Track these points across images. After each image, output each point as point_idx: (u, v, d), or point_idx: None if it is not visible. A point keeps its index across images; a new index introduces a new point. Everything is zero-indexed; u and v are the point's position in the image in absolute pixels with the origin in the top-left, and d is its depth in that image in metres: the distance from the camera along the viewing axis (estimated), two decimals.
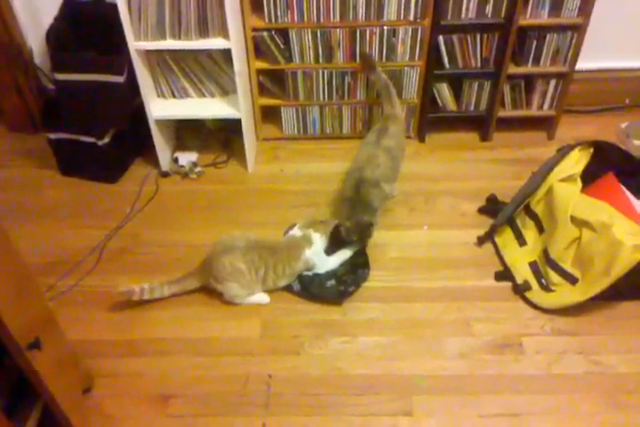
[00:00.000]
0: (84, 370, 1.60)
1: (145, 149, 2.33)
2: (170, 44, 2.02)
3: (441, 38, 2.17)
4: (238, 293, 1.78)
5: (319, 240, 1.85)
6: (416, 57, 2.22)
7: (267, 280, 1.80)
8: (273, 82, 2.32)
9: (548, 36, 2.16)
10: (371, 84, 2.27)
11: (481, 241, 1.98)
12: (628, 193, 1.92)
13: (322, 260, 1.87)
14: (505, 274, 1.88)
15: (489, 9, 2.11)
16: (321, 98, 2.32)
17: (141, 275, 1.91)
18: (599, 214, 1.76)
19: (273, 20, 2.13)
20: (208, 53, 2.14)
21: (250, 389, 1.60)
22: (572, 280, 1.78)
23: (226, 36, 1.98)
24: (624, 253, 1.66)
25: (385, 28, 2.14)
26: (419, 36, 2.16)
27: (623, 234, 1.69)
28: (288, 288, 1.84)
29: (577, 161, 1.93)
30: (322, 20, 2.13)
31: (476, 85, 2.29)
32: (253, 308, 1.80)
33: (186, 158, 2.30)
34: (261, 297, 1.82)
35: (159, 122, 2.21)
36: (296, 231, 1.88)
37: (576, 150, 1.93)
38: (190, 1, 1.93)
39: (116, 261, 1.96)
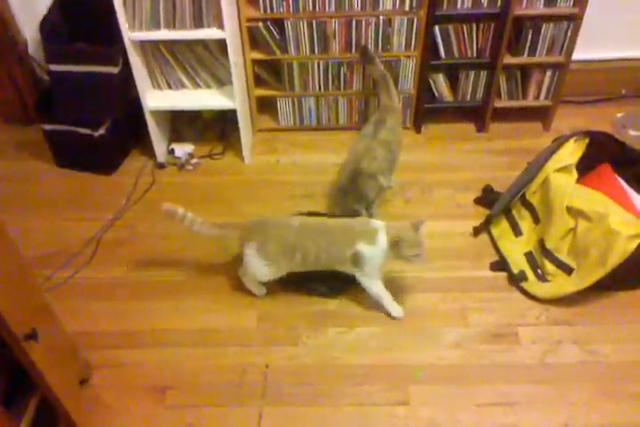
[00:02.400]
0: (82, 361, 1.60)
1: (141, 140, 2.32)
2: (165, 34, 2.01)
3: (437, 28, 2.16)
4: (263, 271, 1.71)
5: (383, 243, 1.64)
6: (412, 47, 2.21)
7: (302, 264, 1.69)
8: (269, 73, 2.31)
9: (544, 26, 2.15)
10: (367, 74, 2.26)
11: (477, 232, 1.99)
12: (623, 183, 1.92)
13: (373, 266, 1.68)
14: (501, 264, 1.89)
15: None
16: (317, 89, 2.31)
17: (138, 266, 1.91)
18: (595, 205, 1.77)
19: (268, 10, 2.11)
20: (203, 44, 2.13)
21: (247, 379, 1.61)
22: (568, 270, 1.78)
23: (221, 26, 1.97)
24: (619, 243, 1.67)
25: (381, 18, 2.13)
26: (414, 26, 2.15)
27: (619, 224, 1.70)
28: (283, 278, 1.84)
29: (573, 151, 1.93)
30: (317, 10, 2.11)
31: (472, 76, 2.29)
32: (250, 299, 1.81)
33: (182, 150, 2.29)
34: (261, 289, 1.80)
35: (155, 113, 2.20)
36: (367, 219, 1.73)
37: (572, 141, 1.93)
38: None
39: (112, 253, 1.96)
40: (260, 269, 1.71)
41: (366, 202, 1.92)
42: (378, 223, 1.68)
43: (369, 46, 2.16)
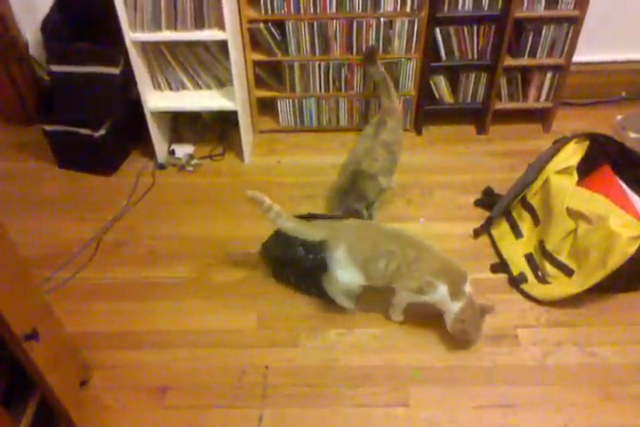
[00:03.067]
0: (82, 362, 1.60)
1: (141, 141, 2.32)
2: (166, 35, 2.01)
3: (437, 30, 2.16)
4: (349, 278, 1.62)
5: (455, 306, 1.57)
6: (413, 49, 2.22)
7: (382, 273, 1.60)
8: (269, 74, 2.31)
9: (544, 28, 2.15)
10: (368, 76, 2.26)
11: (477, 233, 1.99)
12: (623, 185, 1.92)
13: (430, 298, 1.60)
14: (501, 266, 1.89)
15: (485, 1, 2.11)
16: (317, 90, 2.31)
17: (138, 267, 1.91)
18: (595, 207, 1.77)
19: (269, 11, 2.11)
20: (204, 45, 2.13)
21: (247, 380, 1.61)
22: (568, 272, 1.79)
23: (222, 27, 1.97)
24: (620, 245, 1.67)
25: (381, 19, 2.13)
26: (415, 28, 2.15)
27: (619, 226, 1.70)
28: (283, 279, 1.83)
29: (573, 153, 1.93)
30: (318, 11, 2.12)
31: (472, 78, 2.29)
32: (250, 300, 1.81)
33: (182, 151, 2.29)
34: (350, 302, 1.73)
35: (155, 114, 2.20)
36: (461, 270, 1.61)
37: (572, 143, 1.94)
38: None
39: (112, 254, 1.96)
40: (346, 275, 1.63)
41: (366, 202, 1.93)
42: (466, 287, 1.59)
43: (376, 48, 2.17)
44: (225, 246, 1.97)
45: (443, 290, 1.57)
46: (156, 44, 2.09)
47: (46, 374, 1.29)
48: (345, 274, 1.63)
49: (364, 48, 2.19)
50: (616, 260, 1.67)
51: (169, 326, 1.75)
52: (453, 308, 1.58)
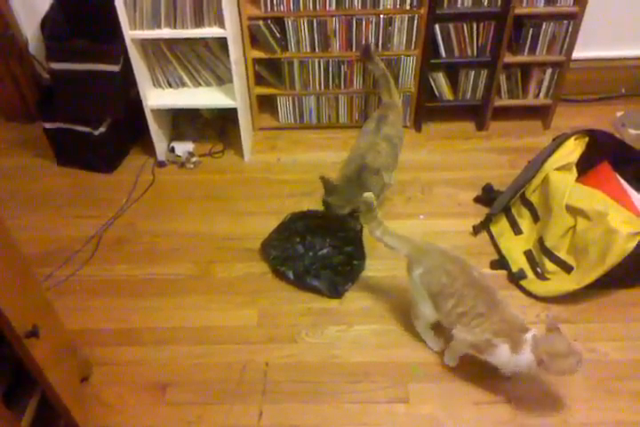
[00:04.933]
0: (83, 359, 1.61)
1: (141, 138, 2.32)
2: (165, 32, 2.01)
3: (437, 27, 2.15)
4: (422, 304, 1.57)
5: (526, 358, 1.43)
6: (412, 46, 2.21)
7: (448, 313, 1.52)
8: (269, 71, 2.31)
9: (544, 24, 2.15)
10: (367, 72, 2.26)
11: (477, 230, 1.99)
12: (623, 182, 1.92)
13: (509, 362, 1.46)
14: (500, 263, 1.89)
15: None
16: (317, 87, 2.31)
17: (138, 264, 1.92)
18: (594, 203, 1.77)
19: (269, 8, 2.11)
20: (204, 42, 2.13)
21: (247, 377, 1.61)
22: (567, 268, 1.79)
23: (222, 24, 1.97)
24: (618, 242, 1.67)
25: (381, 16, 2.13)
26: (415, 24, 2.15)
27: (618, 222, 1.70)
28: (283, 276, 1.84)
29: (572, 150, 1.93)
30: (318, 8, 2.11)
31: (472, 74, 2.28)
32: (251, 297, 1.81)
33: (182, 148, 2.29)
34: (436, 341, 1.65)
35: (155, 111, 2.20)
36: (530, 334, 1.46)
37: (571, 139, 1.94)
38: None
39: (112, 251, 1.97)
40: (420, 300, 1.58)
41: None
42: (529, 335, 1.45)
43: (371, 44, 2.17)
44: (225, 243, 1.97)
45: (504, 349, 1.45)
46: (155, 42, 2.09)
47: (47, 371, 1.30)
48: (417, 298, 1.58)
49: (362, 45, 2.19)
50: (615, 256, 1.68)
51: (169, 322, 1.75)
52: (524, 359, 1.44)
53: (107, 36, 2.01)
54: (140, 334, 1.73)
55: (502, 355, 1.46)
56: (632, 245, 1.67)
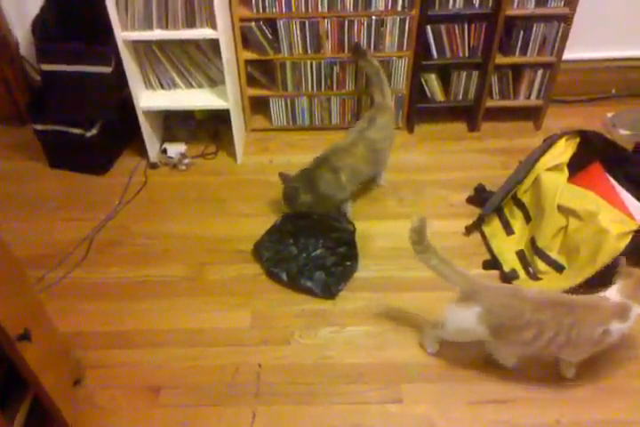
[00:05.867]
0: (75, 362, 1.60)
1: (133, 140, 2.32)
2: (157, 34, 2.01)
3: (429, 28, 2.17)
4: (472, 337, 1.53)
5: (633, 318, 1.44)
6: (404, 47, 2.22)
7: (528, 344, 1.46)
8: (261, 72, 2.31)
9: (535, 26, 2.16)
10: (360, 74, 2.26)
11: (469, 231, 2.00)
12: (613, 182, 1.94)
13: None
14: (493, 263, 1.90)
15: None
16: (310, 89, 2.32)
17: (131, 266, 1.91)
18: (585, 203, 1.79)
19: (261, 10, 2.11)
20: (196, 44, 2.13)
21: (240, 379, 1.61)
22: (559, 268, 1.80)
23: (213, 26, 1.97)
24: (609, 242, 1.68)
25: (373, 18, 2.13)
26: (407, 26, 2.16)
27: (609, 222, 1.71)
28: (276, 277, 1.84)
29: (564, 151, 1.95)
30: (310, 10, 2.12)
31: (464, 76, 2.30)
32: (244, 299, 1.81)
33: (174, 150, 2.29)
34: (435, 346, 1.63)
35: (147, 113, 2.20)
36: (611, 293, 1.48)
37: (562, 140, 1.95)
38: None
39: (105, 253, 1.96)
40: (473, 334, 1.51)
41: (313, 194, 1.93)
42: (627, 301, 1.45)
43: (361, 43, 2.17)
44: (218, 245, 1.97)
45: (618, 327, 1.45)
46: (147, 43, 2.09)
47: (39, 374, 1.29)
48: (469, 333, 1.52)
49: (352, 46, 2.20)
50: (606, 256, 1.69)
51: (162, 325, 1.75)
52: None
53: (98, 38, 2.01)
54: (132, 337, 1.72)
55: (619, 332, 1.46)
56: (623, 244, 1.68)
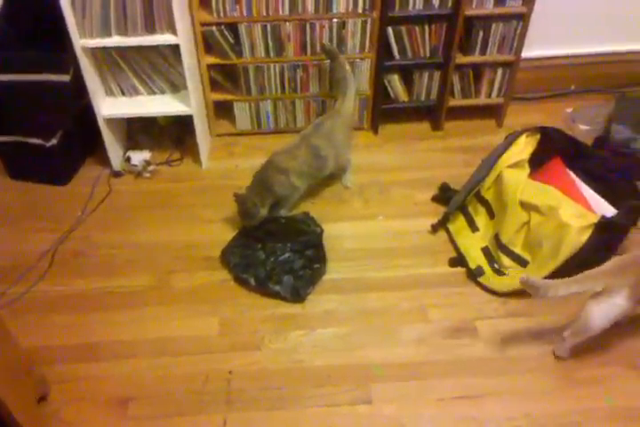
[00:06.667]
0: (40, 377, 1.56)
1: (95, 148, 2.28)
2: (116, 40, 1.98)
3: (390, 30, 2.18)
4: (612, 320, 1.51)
5: None
6: (366, 49, 2.23)
7: None
8: (224, 77, 2.30)
9: (493, 25, 2.20)
10: (324, 76, 2.27)
11: (435, 229, 2.01)
12: (574, 176, 1.98)
13: None
14: (459, 260, 1.91)
15: (436, 0, 2.14)
16: (274, 92, 2.31)
17: (95, 277, 1.88)
18: (546, 198, 1.82)
19: (221, 14, 2.11)
20: (157, 50, 2.10)
21: (210, 387, 1.60)
22: (523, 263, 1.83)
23: (174, 31, 1.95)
24: (571, 235, 1.72)
25: (334, 20, 2.14)
26: (368, 27, 2.17)
27: (570, 216, 1.74)
28: (244, 283, 1.83)
29: (524, 147, 1.98)
30: (271, 13, 2.11)
31: (425, 76, 2.32)
32: (212, 306, 1.79)
33: (138, 157, 2.26)
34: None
35: (109, 121, 2.16)
36: None
37: (523, 137, 1.98)
38: None
39: (69, 265, 1.92)
40: (621, 315, 1.52)
41: (273, 197, 1.95)
42: None
43: (327, 44, 2.17)
44: (185, 252, 1.95)
45: None
46: (106, 50, 2.06)
47: (0, 392, 1.26)
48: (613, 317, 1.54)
49: (318, 49, 2.20)
50: (568, 249, 1.72)
51: (129, 335, 1.72)
52: None
53: (56, 46, 1.97)
54: (99, 349, 1.69)
55: None
56: (583, 238, 1.72)
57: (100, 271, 1.90)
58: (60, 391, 1.59)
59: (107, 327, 1.74)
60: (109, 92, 2.19)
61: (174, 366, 1.65)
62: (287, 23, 2.14)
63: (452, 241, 1.98)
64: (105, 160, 2.25)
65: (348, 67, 2.13)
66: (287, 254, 1.89)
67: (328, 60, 2.21)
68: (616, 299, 1.51)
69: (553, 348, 1.66)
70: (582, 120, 2.40)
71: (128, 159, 2.26)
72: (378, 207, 2.10)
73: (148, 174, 2.24)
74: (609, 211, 1.84)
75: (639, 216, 1.81)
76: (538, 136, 2.00)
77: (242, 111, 2.36)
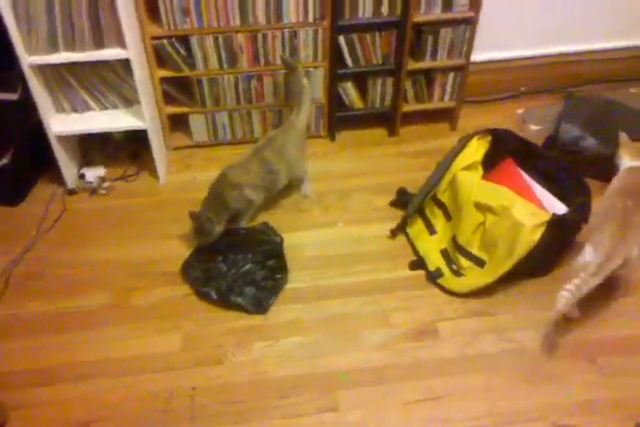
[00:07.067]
0: None
1: (49, 166, 2.22)
2: (65, 57, 1.95)
3: (341, 38, 2.20)
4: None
5: None
6: (319, 57, 2.25)
7: None
8: (178, 89, 2.29)
9: (442, 31, 2.24)
10: (279, 86, 2.28)
11: (394, 233, 2.03)
12: (526, 176, 2.02)
13: None
14: (418, 263, 1.94)
15: (385, 7, 2.17)
16: (229, 103, 2.31)
17: (52, 298, 1.84)
18: (500, 199, 1.85)
19: (172, 27, 2.09)
20: (107, 64, 2.08)
21: (174, 404, 1.57)
22: (480, 263, 1.86)
23: (123, 45, 1.93)
24: (524, 234, 1.75)
25: (286, 30, 2.15)
26: (319, 36, 2.19)
27: (523, 216, 1.78)
28: (206, 296, 1.82)
29: (477, 149, 2.02)
30: (222, 24, 2.11)
31: (379, 83, 2.35)
32: (173, 321, 1.77)
33: (93, 174, 2.22)
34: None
35: (61, 138, 2.12)
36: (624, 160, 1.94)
37: (475, 139, 2.02)
38: (82, 11, 1.87)
39: (25, 287, 1.88)
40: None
41: (228, 212, 1.94)
42: None
43: (286, 56, 2.18)
44: (144, 269, 1.92)
45: None
46: (55, 67, 2.03)
47: None
48: None
49: (271, 59, 2.21)
50: (522, 248, 1.76)
51: (90, 356, 1.69)
52: None
53: (2, 64, 1.94)
54: (59, 372, 1.65)
55: None
56: (537, 236, 1.75)
57: (58, 292, 1.86)
58: (19, 418, 1.55)
59: (66, 349, 1.70)
60: (60, 109, 2.15)
61: (137, 385, 1.62)
62: (239, 34, 2.14)
63: (412, 244, 2.00)
64: (59, 178, 2.20)
65: (305, 81, 2.13)
66: (248, 266, 1.89)
67: (285, 71, 2.21)
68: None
69: (556, 312, 1.65)
70: (533, 120, 2.46)
71: (82, 176, 2.22)
72: (337, 214, 2.12)
73: (103, 191, 2.21)
74: (560, 209, 1.89)
75: (589, 212, 1.87)
76: (489, 138, 2.04)
77: (197, 123, 2.35)
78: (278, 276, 1.87)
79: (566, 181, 1.98)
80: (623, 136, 2.00)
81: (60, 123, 2.11)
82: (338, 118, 2.41)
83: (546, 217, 1.77)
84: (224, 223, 1.94)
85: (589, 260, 1.66)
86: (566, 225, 1.83)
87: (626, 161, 1.93)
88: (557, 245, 1.89)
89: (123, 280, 1.89)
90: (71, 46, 1.94)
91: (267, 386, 1.61)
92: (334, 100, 2.35)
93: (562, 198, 1.94)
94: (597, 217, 1.80)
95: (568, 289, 1.63)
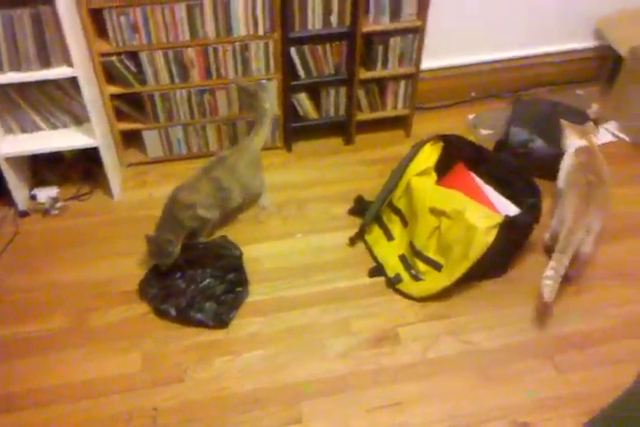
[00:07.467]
0: None
1: None
2: (10, 77, 1.91)
3: (293, 50, 2.22)
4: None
5: None
6: (271, 70, 2.26)
7: None
8: (130, 105, 2.27)
9: (391, 40, 2.28)
10: (232, 100, 2.28)
11: (352, 241, 2.05)
12: (478, 180, 2.07)
13: None
14: (378, 270, 1.96)
15: (334, 18, 2.20)
16: (182, 118, 2.30)
17: (7, 324, 1.79)
18: (453, 203, 1.88)
19: (120, 43, 2.08)
20: (55, 83, 2.04)
21: (135, 425, 1.55)
22: (438, 267, 1.89)
23: (70, 63, 1.91)
24: (478, 237, 1.78)
25: (236, 44, 2.16)
26: (270, 49, 2.20)
27: (476, 218, 1.81)
28: (165, 314, 1.80)
29: (429, 155, 2.05)
30: (171, 39, 2.11)
31: (332, 92, 2.37)
32: (132, 341, 1.75)
33: (45, 194, 2.18)
34: None
35: (9, 160, 2.07)
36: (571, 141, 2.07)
37: (427, 145, 2.05)
38: (26, 30, 1.84)
39: None
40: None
41: (184, 231, 1.93)
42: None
43: (250, 85, 2.17)
44: (101, 289, 1.89)
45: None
46: (1, 87, 1.99)
47: None
48: None
49: (222, 72, 2.21)
50: (477, 250, 1.79)
51: (47, 381, 1.65)
52: None
53: None
54: (14, 400, 1.61)
55: None
56: (491, 238, 1.79)
57: (12, 317, 1.81)
58: None
59: (21, 376, 1.66)
60: (8, 130, 2.10)
61: (97, 407, 1.59)
62: (189, 49, 2.14)
63: (371, 252, 2.02)
64: (9, 200, 2.15)
65: (268, 105, 2.12)
66: (208, 280, 1.88)
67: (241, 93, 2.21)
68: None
69: (546, 300, 1.68)
70: (483, 125, 2.52)
71: (34, 197, 2.18)
72: (296, 225, 2.12)
73: (56, 211, 2.16)
74: (512, 210, 1.94)
75: (540, 213, 1.92)
76: (441, 144, 2.08)
77: (151, 139, 2.33)
78: (239, 289, 1.86)
79: (517, 182, 2.04)
80: (563, 122, 2.12)
81: (9, 144, 2.07)
82: (293, 129, 2.42)
83: (498, 219, 1.81)
84: (182, 241, 1.92)
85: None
86: (519, 226, 1.88)
87: (573, 141, 2.03)
88: (511, 245, 1.93)
89: (80, 302, 1.85)
90: (16, 66, 1.91)
91: (229, 402, 1.60)
92: (289, 111, 2.37)
93: (514, 200, 1.99)
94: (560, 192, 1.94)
95: (549, 276, 1.69)
